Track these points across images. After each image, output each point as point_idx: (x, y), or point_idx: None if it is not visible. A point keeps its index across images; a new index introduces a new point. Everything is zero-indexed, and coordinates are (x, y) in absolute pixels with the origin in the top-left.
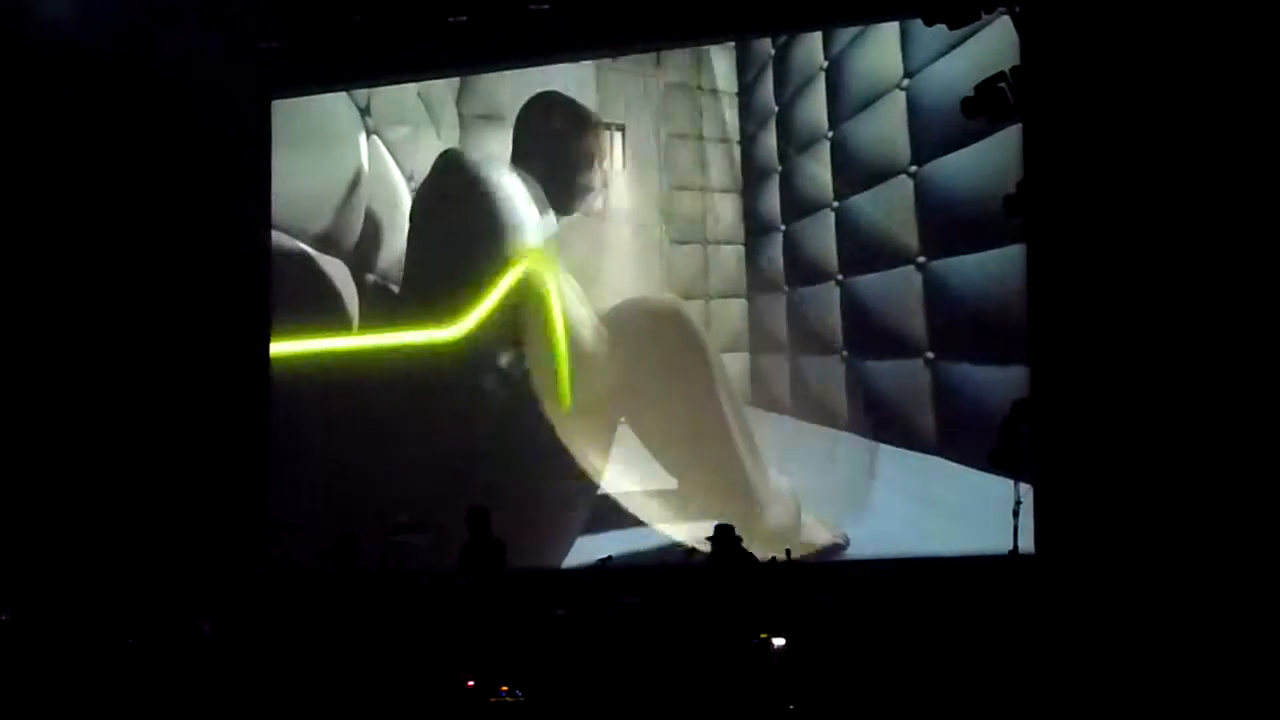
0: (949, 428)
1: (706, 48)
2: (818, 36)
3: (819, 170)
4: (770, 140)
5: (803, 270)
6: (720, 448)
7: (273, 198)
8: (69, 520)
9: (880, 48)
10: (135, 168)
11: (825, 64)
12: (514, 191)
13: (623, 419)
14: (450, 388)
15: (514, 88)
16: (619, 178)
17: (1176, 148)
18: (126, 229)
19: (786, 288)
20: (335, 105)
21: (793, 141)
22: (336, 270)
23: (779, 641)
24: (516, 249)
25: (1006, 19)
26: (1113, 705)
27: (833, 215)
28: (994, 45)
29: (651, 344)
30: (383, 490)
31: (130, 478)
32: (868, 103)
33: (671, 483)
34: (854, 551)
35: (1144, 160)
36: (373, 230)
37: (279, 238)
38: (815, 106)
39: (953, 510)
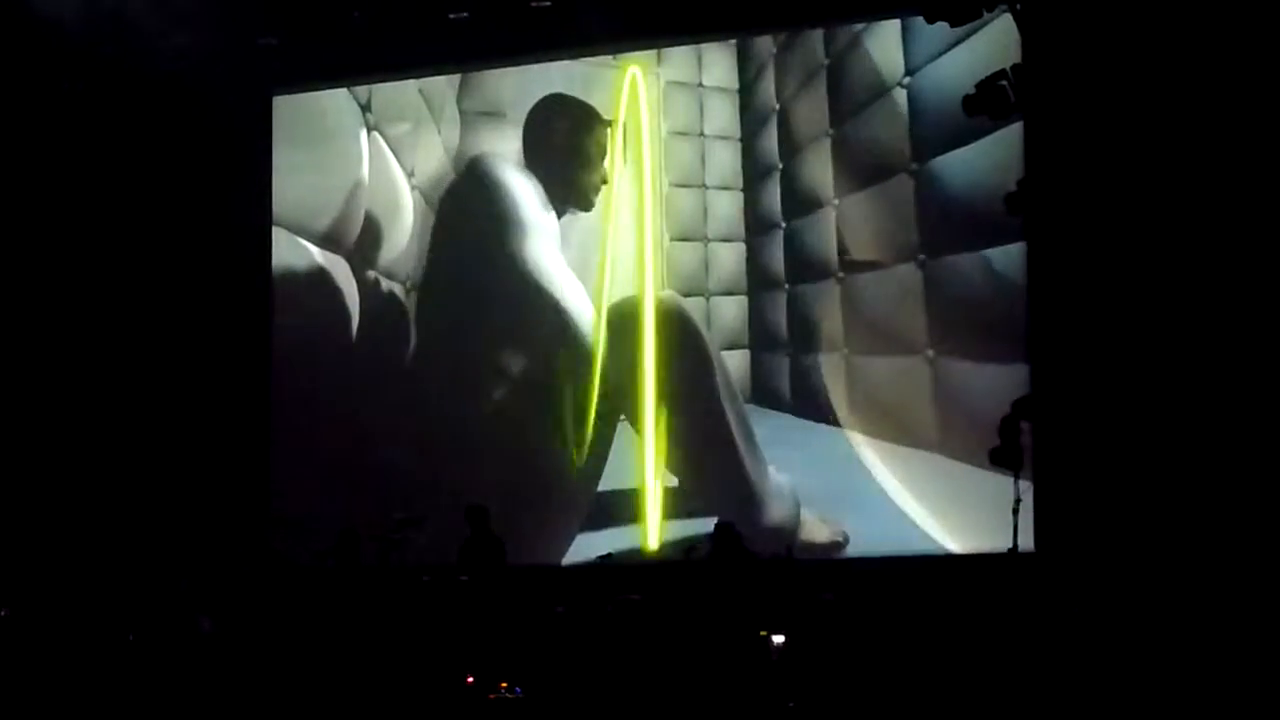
0: (949, 425)
1: (707, 45)
2: (819, 34)
3: (820, 168)
4: (771, 138)
5: (803, 268)
6: (720, 445)
7: (273, 195)
8: (69, 516)
9: (881, 45)
10: (136, 165)
11: (826, 62)
12: (526, 193)
13: (622, 416)
14: (451, 384)
15: (515, 84)
16: (620, 175)
17: (1178, 146)
18: (128, 226)
19: (787, 285)
20: (336, 102)
21: (793, 139)
22: (337, 267)
23: (778, 639)
24: (525, 249)
25: (1008, 17)
26: (1112, 703)
27: (833, 213)
28: (995, 43)
29: (652, 341)
30: (383, 487)
31: (131, 474)
32: (868, 101)
33: (671, 480)
34: (853, 549)
35: (1145, 158)
36: (373, 227)
37: (280, 235)
38: (816, 104)
39: (952, 508)
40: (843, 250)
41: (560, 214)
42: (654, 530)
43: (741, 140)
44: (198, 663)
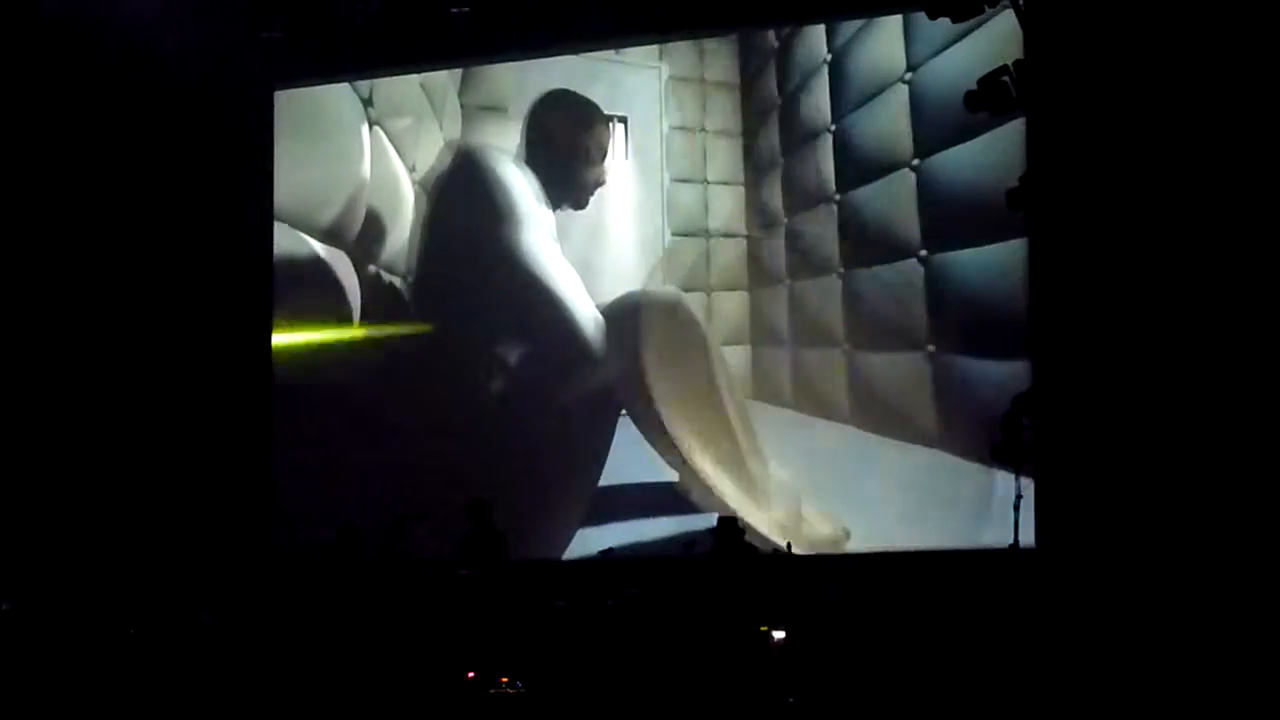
0: (950, 421)
1: (709, 40)
2: (821, 29)
3: (821, 163)
4: (773, 133)
5: (804, 263)
6: (721, 440)
7: (275, 189)
8: (70, 511)
9: (883, 41)
10: (138, 159)
11: (828, 57)
12: (523, 186)
13: (623, 411)
14: (452, 379)
15: (516, 79)
16: (621, 170)
17: (1180, 142)
18: (129, 220)
19: (788, 281)
20: (338, 96)
21: (795, 134)
22: (339, 261)
23: (779, 634)
24: (522, 242)
25: (1010, 12)
26: (1113, 700)
27: (835, 208)
28: (997, 39)
29: (652, 336)
30: (384, 482)
31: (132, 468)
32: (870, 96)
33: (672, 475)
34: (854, 545)
35: (1147, 154)
36: (375, 222)
37: (281, 229)
38: (818, 99)
39: (953, 504)
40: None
41: (559, 209)
42: (654, 526)
43: (743, 135)
44: (199, 657)
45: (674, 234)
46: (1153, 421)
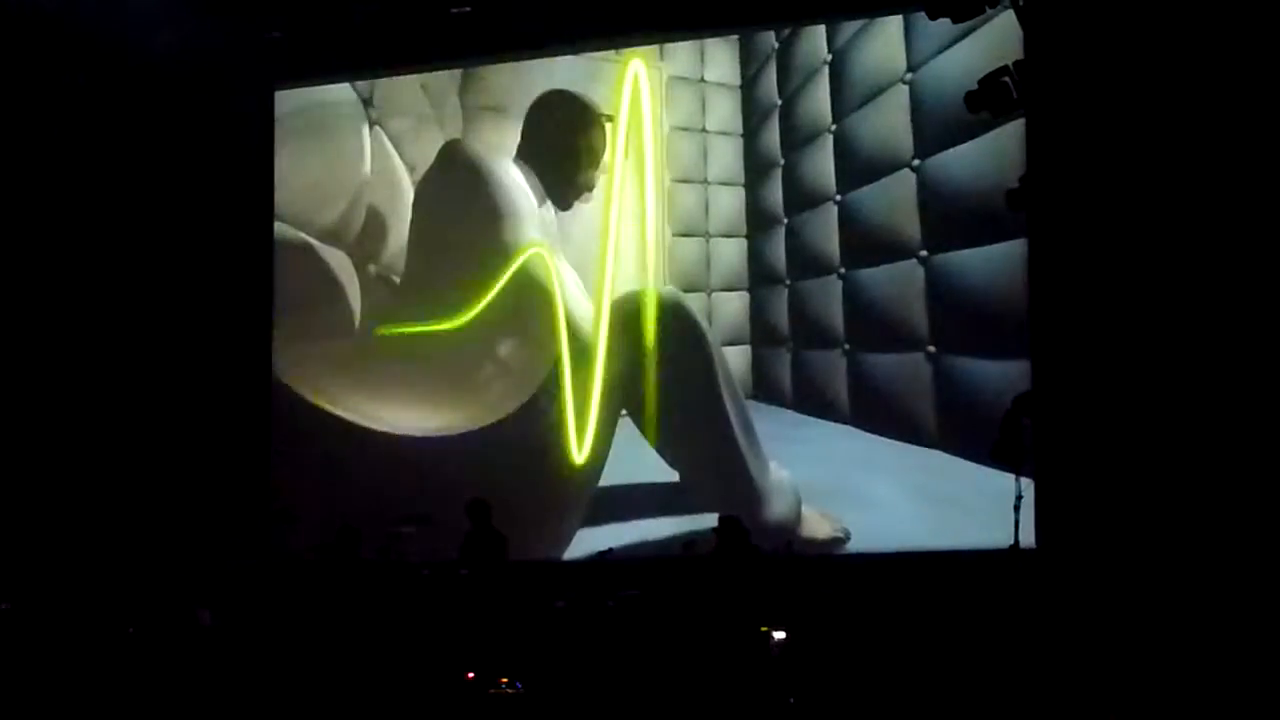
0: (950, 422)
1: (710, 40)
2: (821, 30)
3: (821, 164)
4: (773, 133)
5: (805, 264)
6: (721, 440)
7: (275, 189)
8: (69, 510)
9: (884, 41)
10: (138, 158)
11: (828, 57)
12: (516, 183)
13: (624, 411)
14: (452, 379)
15: (517, 79)
16: (621, 170)
17: (1179, 142)
18: (130, 220)
19: (788, 281)
20: (339, 96)
21: (795, 135)
22: (339, 262)
23: (779, 634)
24: (518, 240)
25: (1010, 13)
26: (1113, 700)
27: (835, 209)
28: (998, 39)
29: (653, 337)
30: (383, 482)
31: (131, 468)
32: (871, 96)
33: (672, 475)
34: (854, 545)
35: (1147, 155)
36: (375, 222)
37: (281, 229)
38: (818, 100)
39: (953, 504)
40: (844, 246)
41: (558, 208)
42: (654, 526)
43: (743, 135)
44: (197, 657)
45: (674, 234)
46: (1152, 422)
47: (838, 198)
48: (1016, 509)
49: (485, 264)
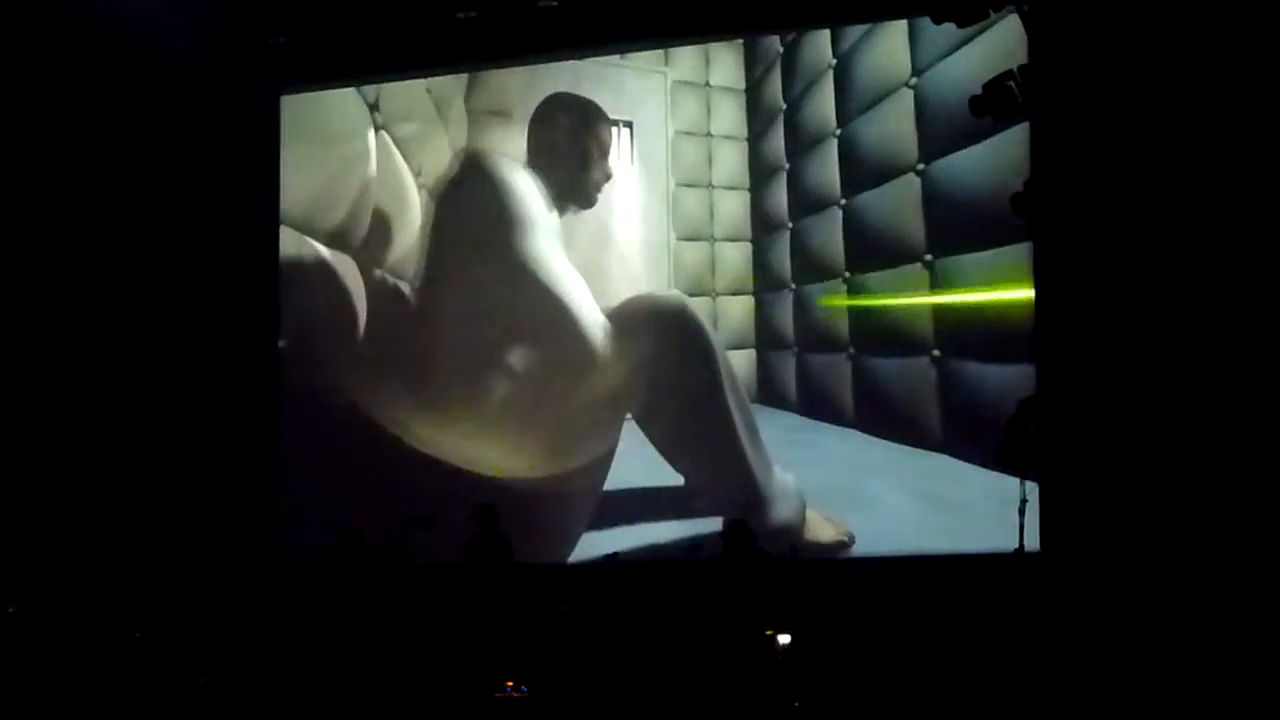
0: (955, 425)
1: (715, 45)
2: (826, 34)
3: (826, 168)
4: (778, 138)
5: (810, 268)
6: (726, 444)
7: (281, 193)
8: (76, 514)
9: (888, 46)
10: (145, 163)
11: (833, 62)
12: (529, 190)
13: (629, 415)
14: (458, 384)
15: (522, 84)
16: (626, 175)
17: (1184, 147)
18: (136, 224)
19: (793, 285)
20: (344, 101)
21: (800, 139)
22: (345, 266)
23: (784, 638)
24: (528, 246)
25: (1015, 17)
26: (1118, 704)
27: (840, 213)
28: (1002, 43)
29: (658, 341)
30: (389, 486)
31: (138, 472)
32: (875, 101)
33: (677, 479)
34: (859, 549)
35: (1152, 159)
36: (381, 226)
37: (287, 233)
38: (823, 104)
39: (958, 508)
40: (849, 250)
41: (564, 212)
42: (660, 530)
43: (748, 140)
44: (204, 660)
45: (679, 238)
46: (1157, 425)
47: (842, 202)
48: (1021, 513)
49: (498, 270)
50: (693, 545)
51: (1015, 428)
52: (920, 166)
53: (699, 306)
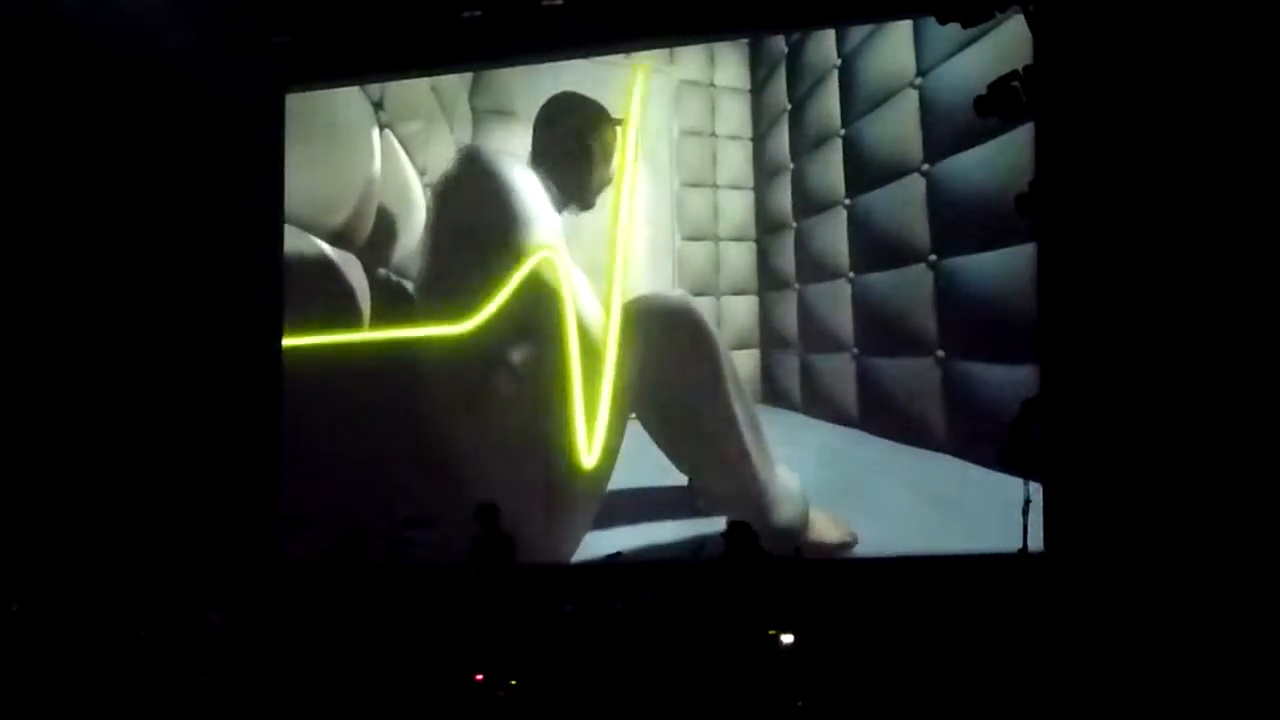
0: (959, 426)
1: (719, 45)
2: (830, 34)
3: (831, 168)
4: (782, 137)
5: (814, 268)
6: (730, 444)
7: (286, 192)
8: (80, 513)
9: (893, 46)
10: (148, 162)
11: (838, 62)
12: (531, 188)
13: (633, 415)
14: (461, 383)
15: (527, 83)
16: (631, 174)
17: (1189, 148)
18: (139, 223)
19: (797, 285)
20: (349, 100)
21: (805, 139)
22: (349, 265)
23: (787, 638)
24: (530, 245)
25: (1020, 18)
26: (1121, 704)
27: (844, 213)
28: (1007, 44)
29: (662, 340)
30: (392, 485)
31: (142, 471)
32: (880, 101)
33: (681, 479)
34: (863, 549)
35: (1157, 160)
36: (385, 225)
37: (291, 232)
38: (828, 104)
39: (962, 509)
40: (854, 250)
41: (568, 212)
42: (663, 529)
43: (753, 140)
44: (206, 659)
45: (684, 238)
46: (1162, 426)
47: (847, 202)
48: (1025, 513)
49: (498, 268)
50: (697, 545)
51: (1019, 428)
52: (925, 167)
53: (703, 306)
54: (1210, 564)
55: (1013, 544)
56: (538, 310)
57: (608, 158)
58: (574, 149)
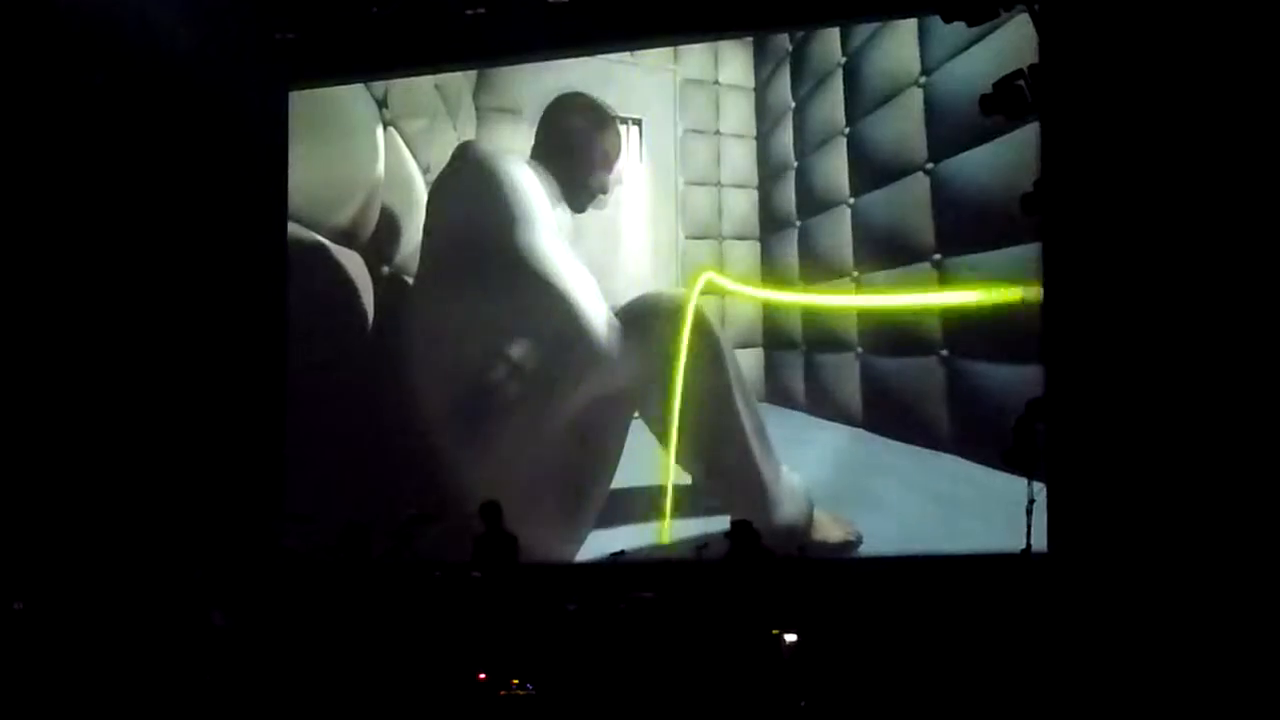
0: (963, 426)
1: (724, 43)
2: (835, 33)
3: (835, 167)
4: (787, 136)
5: (817, 267)
6: (733, 443)
7: (289, 189)
8: (84, 511)
9: (898, 44)
10: (153, 159)
11: (843, 60)
12: (530, 184)
13: (636, 414)
14: (465, 381)
15: (531, 81)
16: (635, 172)
17: (1194, 147)
18: (144, 220)
19: (801, 284)
20: (352, 97)
21: (809, 138)
22: (353, 262)
23: (791, 637)
24: (531, 242)
25: (1025, 16)
26: (1124, 704)
27: (848, 212)
28: (1012, 43)
29: (666, 339)
30: (396, 483)
31: (145, 468)
32: (885, 99)
33: (684, 478)
34: (866, 549)
35: (1162, 159)
36: (389, 222)
37: (295, 230)
38: (832, 103)
39: (966, 508)
40: (858, 249)
41: (573, 210)
42: (666, 528)
43: (757, 138)
44: (209, 656)
45: (688, 237)
46: (1166, 426)
47: (851, 201)
48: (1029, 513)
49: (505, 268)
50: (700, 544)
51: (1023, 428)
52: (929, 165)
53: (707, 305)
54: (1214, 564)
55: (1016, 544)
56: (543, 309)
57: (611, 156)
58: (578, 147)
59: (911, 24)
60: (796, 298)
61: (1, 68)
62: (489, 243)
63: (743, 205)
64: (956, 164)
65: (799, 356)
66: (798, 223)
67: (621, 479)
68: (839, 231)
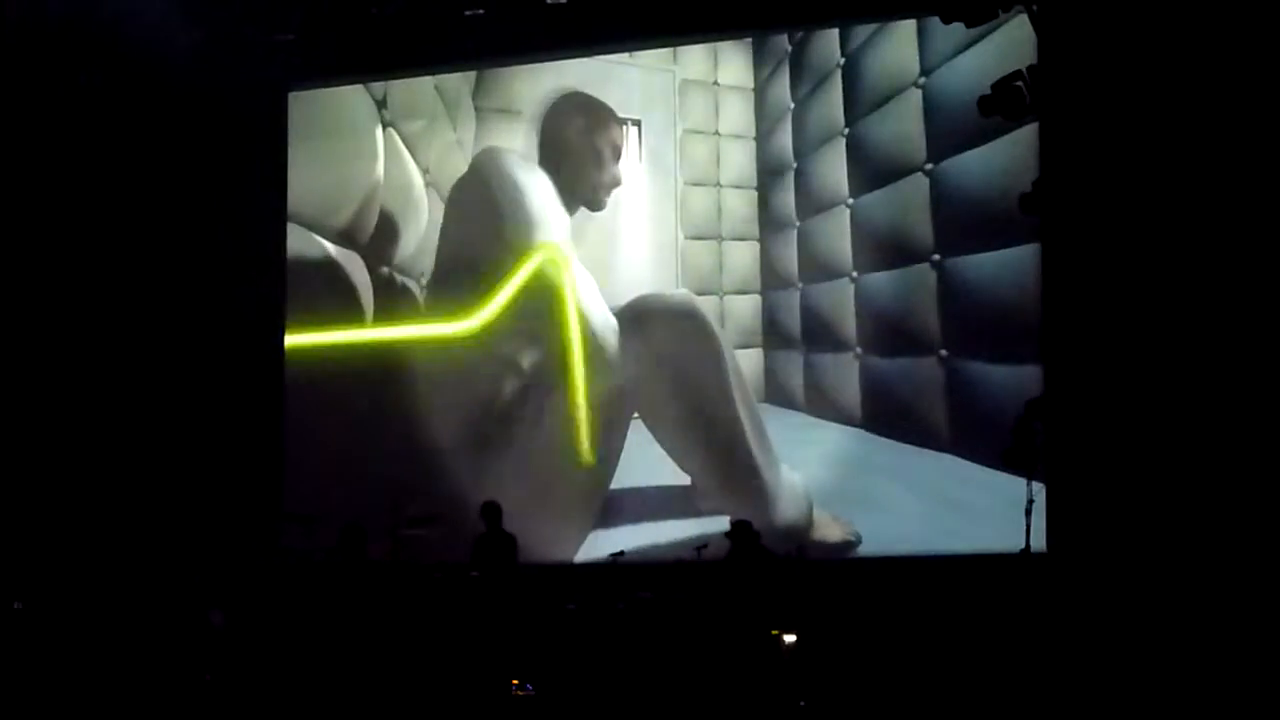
0: (962, 426)
1: (723, 44)
2: (834, 33)
3: (834, 167)
4: (786, 137)
5: (817, 267)
6: (733, 444)
7: (288, 190)
8: (83, 511)
9: (897, 45)
10: (152, 160)
11: (841, 61)
12: (542, 189)
13: (636, 414)
14: (465, 381)
15: (530, 82)
16: (634, 173)
17: (1193, 147)
18: (143, 221)
19: (800, 284)
20: (352, 98)
21: (808, 138)
22: (351, 263)
23: (790, 638)
24: (535, 244)
25: (1024, 17)
26: (1123, 704)
27: (847, 212)
28: (1011, 43)
29: (665, 340)
30: (395, 483)
31: (144, 469)
32: (884, 100)
33: (684, 478)
34: (865, 549)
35: (1160, 159)
36: (388, 223)
37: (294, 230)
38: (831, 103)
39: (965, 508)
40: (857, 249)
41: (573, 211)
42: (666, 529)
43: (756, 139)
44: (208, 657)
45: (687, 237)
46: (1165, 426)
47: (850, 201)
48: (1028, 513)
49: (506, 268)
50: (700, 545)
51: (1022, 428)
52: (928, 166)
53: (706, 305)
54: (1213, 564)
55: (1015, 544)
56: (543, 310)
57: (613, 156)
58: (579, 148)
59: (910, 25)
60: None
61: (1, 69)
62: (494, 245)
63: (742, 206)
64: (955, 164)
65: (798, 356)
66: (797, 223)
67: (621, 479)
68: (838, 232)
